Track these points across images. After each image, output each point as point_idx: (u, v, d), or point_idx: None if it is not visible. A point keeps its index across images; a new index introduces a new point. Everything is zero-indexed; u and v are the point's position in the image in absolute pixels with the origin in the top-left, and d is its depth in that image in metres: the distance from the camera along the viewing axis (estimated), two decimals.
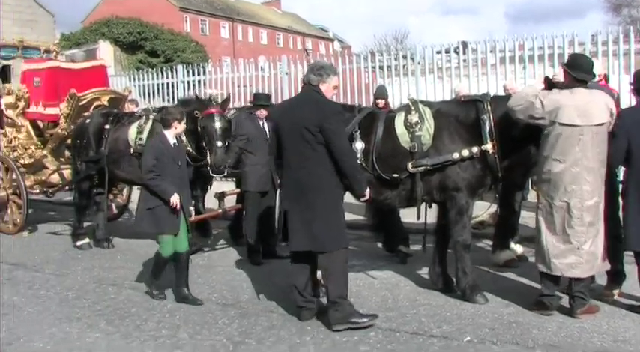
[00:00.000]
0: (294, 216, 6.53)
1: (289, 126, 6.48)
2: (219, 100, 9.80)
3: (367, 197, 6.68)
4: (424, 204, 7.60)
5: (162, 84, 19.53)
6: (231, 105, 14.43)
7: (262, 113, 9.77)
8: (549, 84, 6.97)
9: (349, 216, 11.80)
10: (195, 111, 9.42)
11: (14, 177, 12.60)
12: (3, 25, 30.73)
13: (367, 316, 6.53)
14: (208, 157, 9.38)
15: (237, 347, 6.14)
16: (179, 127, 7.75)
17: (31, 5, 33.41)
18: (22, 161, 12.89)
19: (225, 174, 9.64)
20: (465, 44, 14.97)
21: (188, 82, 18.96)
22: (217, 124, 9.24)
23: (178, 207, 7.42)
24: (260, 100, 9.98)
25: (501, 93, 10.29)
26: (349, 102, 14.29)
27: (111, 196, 12.25)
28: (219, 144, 9.22)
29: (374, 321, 6.48)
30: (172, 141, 7.67)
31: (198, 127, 9.43)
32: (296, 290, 6.80)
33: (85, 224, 11.59)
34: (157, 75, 19.74)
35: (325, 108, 6.42)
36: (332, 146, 6.28)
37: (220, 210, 10.26)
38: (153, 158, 7.52)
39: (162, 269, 7.84)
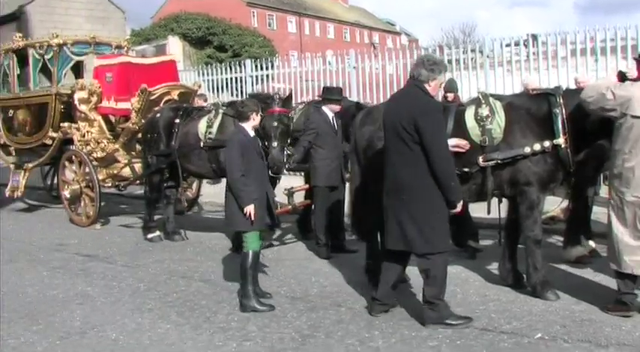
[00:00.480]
0: (390, 214, 6.44)
1: (390, 123, 6.36)
2: (283, 95, 9.78)
3: (458, 209, 6.35)
4: (494, 198, 7.52)
5: (231, 78, 19.66)
6: (299, 100, 14.55)
7: (334, 107, 9.76)
8: (624, 78, 6.81)
9: None
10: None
11: (87, 170, 12.91)
12: (76, 22, 31.42)
13: (462, 318, 6.40)
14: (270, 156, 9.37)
15: (306, 340, 6.18)
16: (257, 119, 7.59)
17: (102, 2, 33.98)
18: (94, 155, 13.12)
19: (284, 173, 9.68)
20: (534, 37, 14.73)
21: (256, 77, 19.05)
22: (274, 124, 9.20)
23: (252, 217, 7.15)
24: (332, 94, 9.93)
25: (572, 86, 10.10)
26: None
27: (181, 190, 12.40)
28: (275, 144, 9.17)
29: (469, 324, 6.36)
30: (252, 133, 7.51)
31: (261, 126, 9.41)
32: (383, 285, 6.72)
33: (156, 217, 11.77)
34: (226, 69, 19.89)
35: (422, 106, 6.19)
36: (426, 146, 6.05)
37: (290, 206, 10.28)
38: (239, 154, 7.24)
39: (256, 267, 7.50)
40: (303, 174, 11.45)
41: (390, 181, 6.43)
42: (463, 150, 7.17)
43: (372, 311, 6.81)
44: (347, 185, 9.36)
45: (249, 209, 7.09)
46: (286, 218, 11.57)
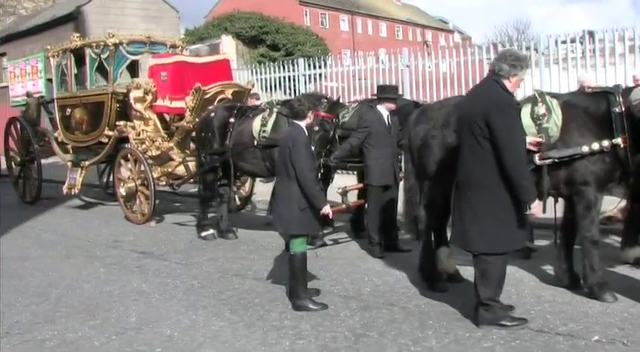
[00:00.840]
0: (456, 211, 6.40)
1: (463, 118, 6.27)
2: (333, 98, 9.77)
3: (534, 211, 6.10)
4: (550, 197, 7.42)
5: (284, 77, 19.71)
6: (351, 98, 14.53)
7: (389, 106, 9.72)
8: None
9: None
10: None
11: (142, 168, 13.08)
12: (131, 21, 31.83)
13: (518, 319, 6.30)
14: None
15: (359, 339, 6.16)
16: (311, 117, 7.54)
17: (157, 2, 34.34)
18: (149, 153, 13.30)
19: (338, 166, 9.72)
20: (590, 33, 14.46)
21: (309, 76, 19.08)
22: (315, 128, 9.31)
23: (330, 216, 7.20)
24: (386, 93, 9.88)
25: (631, 84, 9.90)
26: None
27: (234, 188, 12.48)
28: (312, 148, 9.21)
29: (524, 325, 6.25)
30: (306, 132, 7.43)
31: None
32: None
33: (210, 215, 11.87)
34: (278, 68, 19.95)
35: (497, 101, 6.02)
36: (498, 143, 5.89)
37: (344, 206, 10.23)
38: (309, 154, 7.18)
39: (305, 268, 7.37)
40: (356, 173, 11.44)
41: (460, 177, 6.34)
42: (535, 149, 7.08)
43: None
44: (401, 184, 9.33)
45: (327, 209, 7.15)
46: (339, 217, 11.58)
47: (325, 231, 11.05)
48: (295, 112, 7.41)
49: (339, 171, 11.87)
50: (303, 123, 7.35)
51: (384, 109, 9.71)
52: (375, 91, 10.35)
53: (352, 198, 10.78)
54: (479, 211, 6.09)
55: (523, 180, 5.95)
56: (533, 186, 6.33)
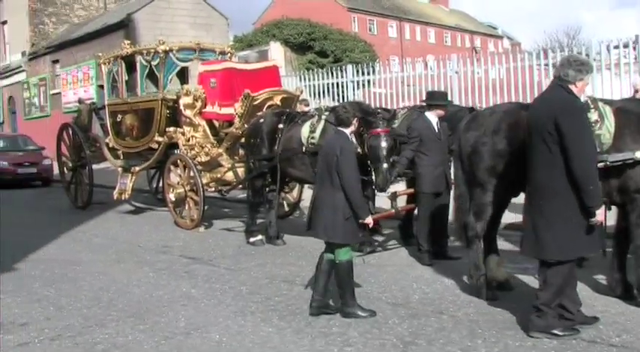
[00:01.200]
0: (527, 218, 6.33)
1: (532, 123, 6.22)
2: (385, 113, 9.69)
3: (598, 218, 5.98)
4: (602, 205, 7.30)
5: (332, 84, 19.75)
6: (400, 105, 14.50)
7: (438, 112, 9.67)
8: None
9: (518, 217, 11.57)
10: (362, 129, 9.25)
11: (191, 174, 13.16)
12: (180, 28, 32.14)
13: (570, 329, 6.21)
14: (373, 176, 9.38)
15: (408, 347, 6.13)
16: (356, 124, 7.46)
17: (206, 9, 34.57)
18: (198, 159, 13.35)
19: (387, 191, 9.70)
20: None
21: (357, 82, 19.09)
22: (383, 144, 9.16)
23: (371, 225, 7.14)
24: (436, 100, 9.83)
25: None
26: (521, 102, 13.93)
27: (282, 194, 12.49)
28: (385, 166, 9.17)
29: (576, 336, 6.16)
30: (352, 139, 7.33)
31: (365, 146, 9.39)
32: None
33: (258, 221, 11.92)
34: (327, 75, 20.00)
35: (565, 105, 5.99)
36: (567, 147, 5.84)
37: (393, 211, 10.21)
38: (355, 163, 7.08)
39: (352, 275, 7.25)
40: (405, 179, 11.37)
41: (530, 186, 6.29)
42: None
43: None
44: (452, 190, 9.26)
45: (369, 220, 7.09)
46: (388, 223, 11.56)
47: (374, 239, 11.06)
48: (340, 120, 7.34)
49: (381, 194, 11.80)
50: (348, 131, 7.29)
51: (433, 116, 9.65)
52: (425, 98, 10.30)
53: (401, 203, 10.71)
54: (551, 218, 6.02)
55: (590, 185, 5.87)
56: (600, 192, 6.19)
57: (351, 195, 6.92)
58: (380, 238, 11.35)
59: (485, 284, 7.65)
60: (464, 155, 7.87)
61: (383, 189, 9.41)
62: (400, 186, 11.30)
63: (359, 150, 9.49)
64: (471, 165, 7.73)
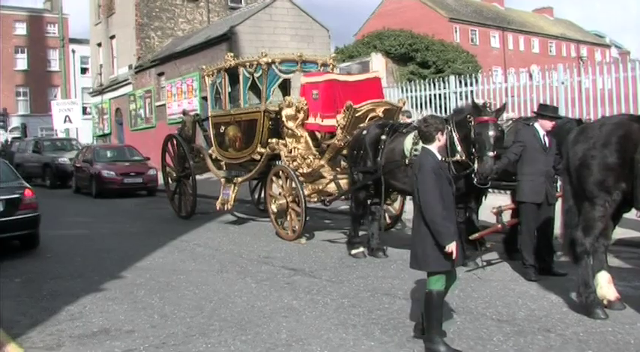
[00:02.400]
0: None
1: None
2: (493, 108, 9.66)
3: None
4: None
5: (434, 95, 19.60)
6: (504, 117, 14.22)
7: (545, 124, 9.46)
8: None
9: (629, 233, 11.17)
10: (469, 116, 9.45)
11: (293, 185, 13.23)
12: (282, 40, 32.52)
13: None
14: (476, 165, 9.35)
15: None
16: (442, 139, 6.67)
17: (307, 21, 34.85)
18: (300, 170, 13.40)
19: (489, 185, 9.48)
20: None
21: (460, 93, 18.87)
22: (491, 132, 9.16)
23: (454, 256, 6.29)
24: (547, 112, 9.63)
25: None
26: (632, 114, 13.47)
27: (385, 206, 12.41)
28: (491, 154, 9.15)
29: None
30: (439, 156, 6.65)
31: (471, 134, 9.42)
32: None
33: (360, 233, 11.86)
34: (429, 86, 19.84)
35: None
36: None
37: (500, 225, 10.03)
38: (435, 183, 6.38)
39: (441, 306, 6.56)
40: (510, 192, 11.15)
41: None
42: None
43: None
44: (558, 205, 9.01)
45: (452, 247, 6.23)
46: (492, 237, 11.34)
47: (478, 252, 10.88)
48: (422, 135, 6.71)
49: (491, 190, 11.62)
50: (433, 147, 6.59)
51: (540, 127, 9.45)
52: (535, 109, 10.13)
53: (506, 219, 10.50)
54: None
55: None
56: None
57: (428, 217, 6.29)
58: (487, 257, 11.12)
59: (596, 302, 7.39)
60: (572, 168, 7.66)
61: (485, 179, 9.30)
62: (504, 200, 11.10)
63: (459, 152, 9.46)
64: (579, 179, 7.52)
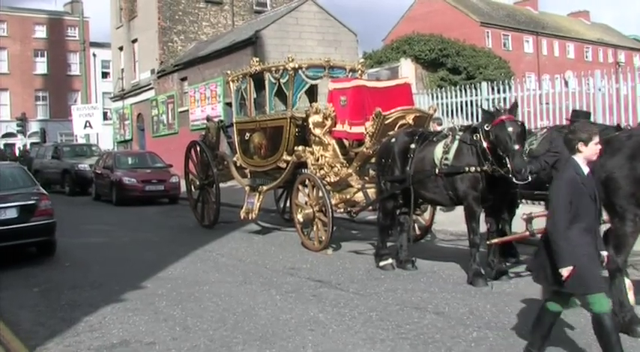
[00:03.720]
0: None
1: None
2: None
3: None
4: None
5: (465, 102, 19.56)
6: (537, 124, 14.16)
7: None
8: None
9: None
10: (486, 125, 9.61)
11: (320, 194, 13.22)
12: (308, 45, 32.58)
13: None
14: (509, 164, 9.36)
15: None
16: (587, 150, 6.16)
17: (334, 25, 34.84)
18: (327, 179, 13.40)
19: (529, 180, 9.39)
20: None
21: (492, 100, 18.80)
22: (510, 129, 9.30)
23: (564, 277, 5.94)
24: (581, 118, 9.61)
25: None
26: None
27: (414, 216, 12.37)
28: (517, 147, 9.25)
29: None
30: (586, 169, 6.18)
31: (491, 138, 9.57)
32: None
33: (388, 244, 11.84)
34: (460, 92, 19.80)
35: None
36: None
37: (528, 232, 9.79)
38: (567, 198, 6.00)
39: (617, 329, 6.17)
40: (543, 203, 11.08)
41: None
42: None
43: None
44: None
45: (566, 271, 5.90)
46: (524, 249, 11.27)
47: (508, 264, 10.83)
48: (566, 144, 6.35)
49: (524, 200, 11.56)
50: (578, 157, 6.16)
51: None
52: (569, 116, 10.07)
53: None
54: None
55: None
56: None
57: (551, 236, 6.07)
58: (519, 269, 11.06)
59: (635, 320, 7.32)
60: (597, 181, 7.59)
61: (523, 175, 9.22)
62: (537, 209, 11.02)
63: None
64: (606, 193, 7.42)
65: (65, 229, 13.91)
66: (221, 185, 17.29)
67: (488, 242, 10.09)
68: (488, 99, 18.87)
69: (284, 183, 15.38)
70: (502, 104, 16.57)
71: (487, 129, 9.59)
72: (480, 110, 18.43)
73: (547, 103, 17.84)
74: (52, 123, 63.98)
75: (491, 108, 10.28)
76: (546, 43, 73.33)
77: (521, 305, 8.72)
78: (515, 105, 10.02)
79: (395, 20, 73.42)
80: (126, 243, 15.46)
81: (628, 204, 7.18)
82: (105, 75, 67.16)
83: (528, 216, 9.85)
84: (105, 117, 55.97)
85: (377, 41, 63.93)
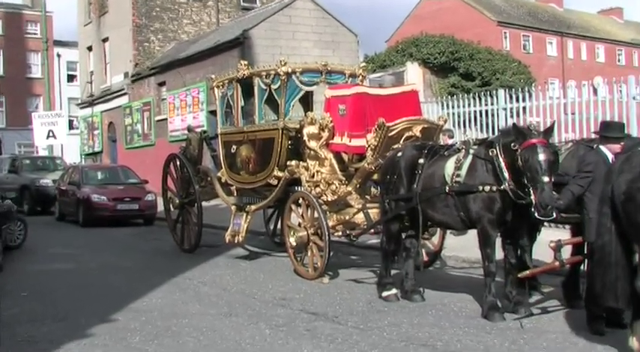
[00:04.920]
0: None
1: None
2: (540, 129, 9.67)
3: None
4: None
5: (480, 111, 19.62)
6: (562, 138, 14.21)
7: (613, 148, 9.33)
8: None
9: None
10: (513, 144, 9.51)
11: (315, 215, 13.23)
12: (303, 47, 32.68)
13: None
14: (532, 196, 9.27)
15: None
16: None
17: (332, 24, 34.90)
18: (324, 198, 13.41)
19: (554, 217, 9.41)
20: None
21: (510, 109, 18.86)
22: (541, 156, 9.16)
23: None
24: (612, 131, 9.56)
25: None
26: None
27: (422, 241, 12.39)
28: (546, 179, 9.11)
29: None
30: None
31: (519, 161, 9.43)
32: None
33: (392, 272, 11.84)
34: (474, 101, 19.86)
35: None
36: None
37: (557, 263, 9.79)
38: None
39: None
40: (569, 226, 11.07)
41: None
42: None
43: None
44: None
45: None
46: (548, 280, 11.30)
47: (531, 298, 10.83)
48: None
49: (546, 224, 11.54)
50: None
51: (607, 151, 9.38)
52: (598, 129, 10.07)
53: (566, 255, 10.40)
54: None
55: None
56: None
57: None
58: (538, 296, 11.10)
59: None
60: (617, 202, 7.65)
61: (548, 212, 9.18)
62: (564, 235, 11.02)
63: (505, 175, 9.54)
64: (626, 215, 7.49)
65: (23, 253, 13.84)
66: (204, 204, 17.30)
67: (519, 275, 9.96)
68: (505, 109, 18.92)
69: (275, 202, 15.42)
70: (534, 121, 16.62)
71: (514, 148, 9.50)
72: (495, 121, 18.70)
73: (573, 113, 17.84)
74: (8, 133, 63.67)
75: (523, 125, 10.18)
76: (572, 45, 73.56)
77: (544, 343, 8.76)
78: (551, 129, 9.93)
79: (400, 19, 73.95)
80: (94, 269, 15.47)
81: None
82: (71, 78, 67.10)
83: (557, 244, 9.75)
84: (71, 126, 55.97)
85: (380, 43, 64.26)
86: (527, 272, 9.97)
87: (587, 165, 9.44)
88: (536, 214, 9.34)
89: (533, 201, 9.25)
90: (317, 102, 16.81)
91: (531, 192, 9.28)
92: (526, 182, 9.35)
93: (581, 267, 10.20)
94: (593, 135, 11.27)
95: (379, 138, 12.63)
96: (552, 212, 9.22)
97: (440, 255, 14.15)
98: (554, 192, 9.28)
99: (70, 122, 55.68)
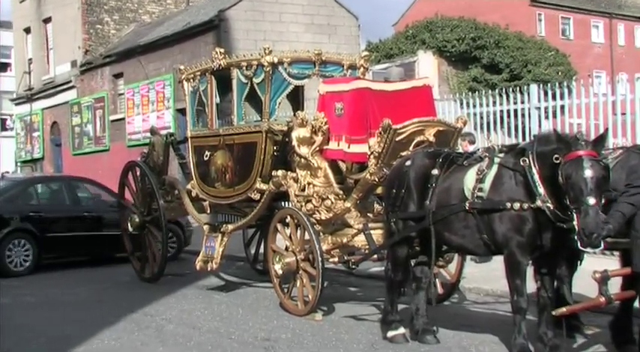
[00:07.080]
0: None
1: None
2: (588, 138, 9.60)
3: None
4: None
5: (508, 111, 19.66)
6: (610, 144, 14.27)
7: None
8: None
9: None
10: (555, 154, 9.27)
11: (306, 237, 13.25)
12: (292, 32, 32.69)
13: None
14: (575, 221, 9.07)
15: None
16: None
17: (328, 4, 34.58)
18: (317, 216, 13.40)
19: (601, 247, 9.26)
20: None
21: (545, 109, 18.91)
22: (588, 173, 8.87)
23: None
24: None
25: None
26: None
27: (436, 269, 12.44)
28: (592, 201, 8.80)
29: None
30: None
31: (560, 176, 9.17)
32: None
33: (400, 307, 11.86)
34: (501, 98, 19.91)
35: None
36: None
37: (603, 299, 9.56)
38: None
39: None
40: (619, 254, 11.03)
41: None
42: None
43: None
44: None
45: None
46: (592, 319, 11.34)
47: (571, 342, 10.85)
48: None
49: (590, 250, 11.45)
50: None
51: None
52: None
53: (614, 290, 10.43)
54: None
55: None
56: None
57: None
58: (580, 340, 11.17)
59: None
60: None
61: (593, 240, 8.83)
62: (613, 264, 11.01)
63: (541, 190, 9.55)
64: None
65: None
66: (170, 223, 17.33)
67: (556, 312, 9.74)
68: (539, 108, 18.97)
69: (257, 220, 15.49)
70: (582, 129, 16.64)
71: (556, 160, 9.24)
72: (526, 122, 18.76)
73: (623, 114, 17.85)
74: None
75: (569, 133, 10.05)
76: (624, 30, 73.39)
77: None
78: (603, 138, 9.66)
79: None
80: (33, 304, 15.45)
81: None
82: (4, 67, 66.94)
83: (603, 275, 9.51)
84: (3, 126, 55.92)
85: (386, 27, 64.17)
86: (565, 309, 9.80)
87: (638, 178, 9.37)
88: (578, 244, 9.08)
89: (576, 227, 9.00)
90: (309, 100, 16.85)
91: (574, 215, 9.04)
92: (568, 203, 9.13)
93: (635, 304, 10.20)
94: None
95: (384, 144, 12.62)
96: (599, 241, 8.90)
97: (458, 286, 14.12)
98: (602, 214, 9.01)
99: (3, 121, 55.65)
